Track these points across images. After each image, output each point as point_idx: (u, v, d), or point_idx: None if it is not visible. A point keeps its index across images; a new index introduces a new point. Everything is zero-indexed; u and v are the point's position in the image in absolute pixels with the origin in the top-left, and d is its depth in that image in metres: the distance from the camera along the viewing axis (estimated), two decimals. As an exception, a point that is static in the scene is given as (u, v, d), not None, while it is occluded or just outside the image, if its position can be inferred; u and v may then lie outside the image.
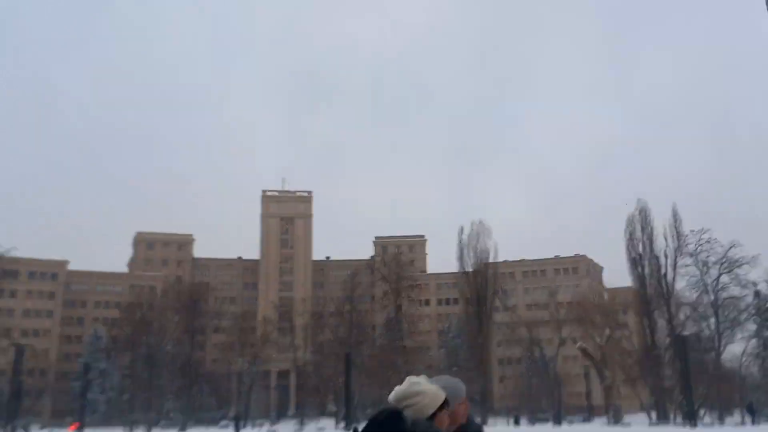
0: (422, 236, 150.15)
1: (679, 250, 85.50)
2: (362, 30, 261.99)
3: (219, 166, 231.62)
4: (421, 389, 3.44)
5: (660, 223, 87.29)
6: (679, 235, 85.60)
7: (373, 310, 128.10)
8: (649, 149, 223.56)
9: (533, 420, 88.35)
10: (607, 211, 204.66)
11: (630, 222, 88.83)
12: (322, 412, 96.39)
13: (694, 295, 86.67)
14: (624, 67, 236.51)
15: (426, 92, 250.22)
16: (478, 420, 4.36)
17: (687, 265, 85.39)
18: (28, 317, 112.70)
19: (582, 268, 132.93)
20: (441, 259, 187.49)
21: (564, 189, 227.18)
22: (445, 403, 3.50)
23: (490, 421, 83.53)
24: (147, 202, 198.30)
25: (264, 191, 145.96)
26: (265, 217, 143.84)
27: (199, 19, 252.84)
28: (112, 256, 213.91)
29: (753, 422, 67.63)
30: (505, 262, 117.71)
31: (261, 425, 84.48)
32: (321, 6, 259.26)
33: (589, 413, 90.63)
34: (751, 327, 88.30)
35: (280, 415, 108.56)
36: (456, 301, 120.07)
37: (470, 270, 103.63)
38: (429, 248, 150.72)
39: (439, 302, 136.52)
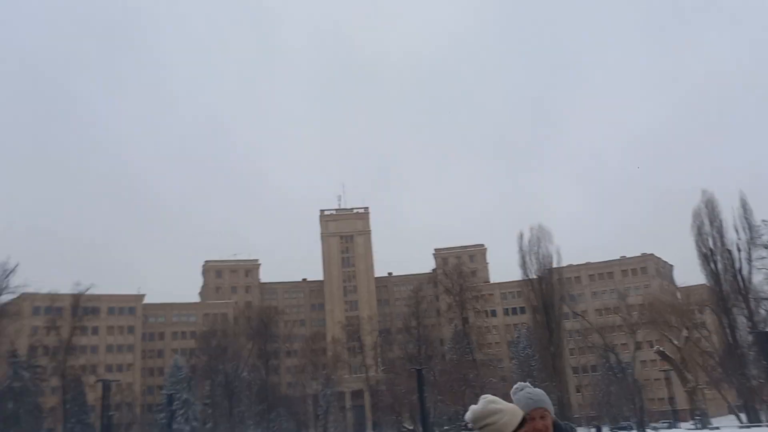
0: (482, 245, 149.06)
1: (752, 241, 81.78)
2: (404, 39, 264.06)
3: (277, 189, 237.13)
4: (499, 407, 3.51)
5: (729, 215, 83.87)
6: (750, 226, 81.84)
7: (440, 324, 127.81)
8: (707, 137, 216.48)
9: (615, 429, 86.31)
10: (669, 205, 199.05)
11: (696, 215, 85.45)
12: (399, 431, 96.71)
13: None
14: (677, 54, 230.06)
15: (472, 97, 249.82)
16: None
17: (762, 258, 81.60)
18: (111, 352, 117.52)
19: (650, 267, 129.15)
20: (502, 266, 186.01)
21: (621, 185, 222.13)
22: (523, 421, 3.55)
23: None
24: (213, 232, 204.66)
25: (321, 211, 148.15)
26: (325, 236, 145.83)
27: (249, 46, 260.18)
28: (185, 287, 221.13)
29: None
30: (569, 266, 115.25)
31: None
32: (364, 18, 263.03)
33: (674, 419, 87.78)
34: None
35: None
36: (522, 309, 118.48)
37: (534, 277, 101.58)
38: (489, 257, 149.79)
39: (506, 312, 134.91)
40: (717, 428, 71.10)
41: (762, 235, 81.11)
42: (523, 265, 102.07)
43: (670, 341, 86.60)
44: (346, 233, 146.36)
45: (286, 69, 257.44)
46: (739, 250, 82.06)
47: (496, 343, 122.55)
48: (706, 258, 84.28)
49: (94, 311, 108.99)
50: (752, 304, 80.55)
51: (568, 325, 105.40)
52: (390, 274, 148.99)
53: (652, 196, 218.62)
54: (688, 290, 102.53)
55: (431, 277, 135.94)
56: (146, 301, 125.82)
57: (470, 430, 3.62)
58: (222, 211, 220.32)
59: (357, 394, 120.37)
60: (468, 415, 3.53)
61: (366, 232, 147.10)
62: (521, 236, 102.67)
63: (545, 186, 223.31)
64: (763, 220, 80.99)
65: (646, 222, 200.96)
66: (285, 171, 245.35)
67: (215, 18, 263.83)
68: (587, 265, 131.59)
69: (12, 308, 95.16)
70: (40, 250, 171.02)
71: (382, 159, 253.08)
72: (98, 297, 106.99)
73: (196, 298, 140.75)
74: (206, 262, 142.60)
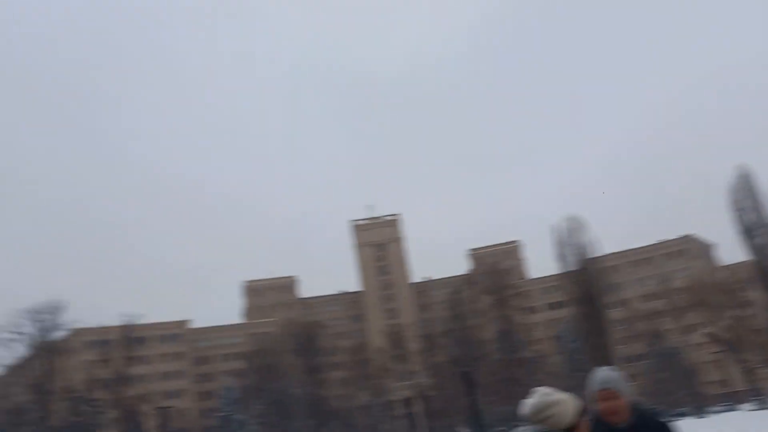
0: (516, 241, 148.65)
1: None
2: (418, 39, 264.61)
3: (307, 204, 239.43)
4: (557, 398, 3.44)
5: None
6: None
7: (482, 325, 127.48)
8: (738, 115, 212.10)
9: (672, 415, 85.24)
10: (705, 183, 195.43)
11: (733, 190, 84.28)
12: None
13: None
14: (706, 33, 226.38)
15: (491, 89, 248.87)
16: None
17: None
18: (164, 380, 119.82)
19: (692, 249, 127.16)
20: (538, 261, 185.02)
21: (650, 168, 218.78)
22: (584, 410, 3.52)
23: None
24: (251, 252, 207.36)
25: (353, 221, 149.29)
26: (358, 246, 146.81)
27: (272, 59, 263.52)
28: (227, 308, 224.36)
29: None
30: (607, 255, 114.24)
31: None
32: (388, 27, 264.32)
33: (732, 401, 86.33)
34: None
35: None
36: (564, 303, 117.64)
37: (573, 269, 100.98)
38: (524, 252, 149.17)
39: (547, 307, 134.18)
40: (778, 407, 69.94)
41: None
42: (560, 258, 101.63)
43: (719, 322, 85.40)
44: (379, 242, 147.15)
45: (307, 82, 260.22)
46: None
47: (541, 339, 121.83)
48: (747, 233, 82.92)
49: (144, 341, 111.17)
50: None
51: (613, 314, 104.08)
52: (427, 279, 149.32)
53: (684, 176, 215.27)
54: (731, 269, 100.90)
55: (468, 279, 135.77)
56: (192, 325, 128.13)
57: (532, 425, 3.55)
58: (258, 229, 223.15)
59: (407, 402, 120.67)
60: (525, 410, 3.45)
61: (399, 239, 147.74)
62: (555, 228, 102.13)
63: (574, 176, 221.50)
64: None
65: (681, 203, 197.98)
66: (313, 184, 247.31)
67: (247, 36, 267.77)
68: (626, 253, 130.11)
69: (65, 345, 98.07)
70: (86, 282, 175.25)
71: (409, 165, 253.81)
72: (146, 326, 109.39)
73: (239, 319, 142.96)
74: (246, 282, 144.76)
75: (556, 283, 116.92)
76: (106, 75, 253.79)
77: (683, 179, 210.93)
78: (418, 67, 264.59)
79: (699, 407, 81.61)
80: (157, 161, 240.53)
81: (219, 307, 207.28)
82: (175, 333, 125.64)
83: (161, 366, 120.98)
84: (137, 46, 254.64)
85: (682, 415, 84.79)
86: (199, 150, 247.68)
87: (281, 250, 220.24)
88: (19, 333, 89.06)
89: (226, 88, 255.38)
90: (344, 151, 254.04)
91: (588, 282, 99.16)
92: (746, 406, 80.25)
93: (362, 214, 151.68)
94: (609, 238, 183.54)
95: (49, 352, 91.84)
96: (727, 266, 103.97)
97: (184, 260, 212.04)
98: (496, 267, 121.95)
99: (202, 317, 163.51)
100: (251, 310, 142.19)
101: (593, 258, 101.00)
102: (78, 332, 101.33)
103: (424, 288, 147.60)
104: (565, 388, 4.04)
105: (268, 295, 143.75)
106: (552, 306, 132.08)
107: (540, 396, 3.50)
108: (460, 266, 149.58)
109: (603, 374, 3.98)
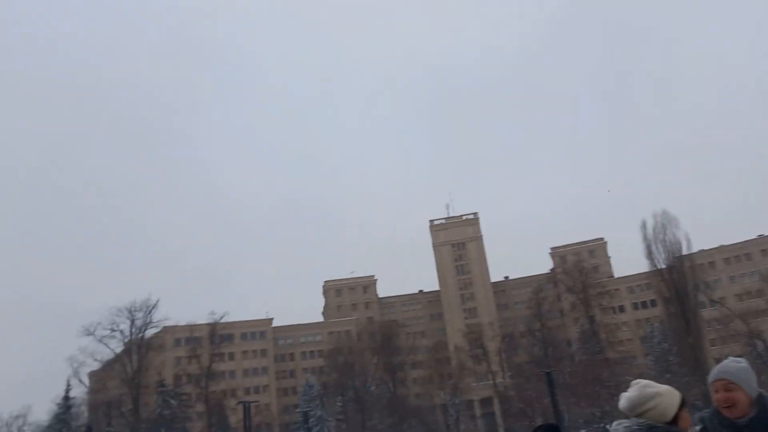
0: (601, 239, 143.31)
1: None
2: (493, 31, 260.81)
3: (387, 203, 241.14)
4: (657, 390, 3.26)
5: None
6: None
7: (565, 325, 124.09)
8: None
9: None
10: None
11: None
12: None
13: None
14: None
15: (569, 83, 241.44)
16: None
17: None
18: (247, 376, 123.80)
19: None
20: (624, 259, 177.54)
21: (740, 159, 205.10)
22: (684, 402, 3.29)
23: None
24: (331, 252, 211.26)
25: (431, 221, 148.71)
26: (437, 246, 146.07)
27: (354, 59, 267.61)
28: (307, 307, 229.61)
29: None
30: (701, 251, 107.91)
31: None
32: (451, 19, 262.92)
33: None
34: None
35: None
36: (653, 302, 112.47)
37: (663, 266, 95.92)
38: (610, 250, 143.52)
39: (635, 306, 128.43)
40: None
41: None
42: (650, 256, 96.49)
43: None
44: (457, 241, 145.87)
45: (382, 79, 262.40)
46: None
47: (628, 339, 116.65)
48: None
49: (229, 338, 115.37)
50: None
51: (706, 314, 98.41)
52: (506, 277, 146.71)
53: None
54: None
55: (550, 277, 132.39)
56: (275, 324, 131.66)
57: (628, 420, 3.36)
58: (336, 231, 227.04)
59: (486, 402, 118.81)
60: (623, 404, 3.31)
61: (477, 238, 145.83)
62: (644, 225, 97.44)
63: (662, 168, 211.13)
64: None
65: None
66: (392, 184, 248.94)
67: (319, 44, 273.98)
68: (721, 248, 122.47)
69: (156, 341, 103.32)
70: (175, 282, 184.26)
71: (487, 162, 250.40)
72: (232, 324, 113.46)
73: (319, 318, 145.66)
74: (326, 282, 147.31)
75: (644, 282, 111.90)
76: (178, 82, 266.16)
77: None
78: (493, 60, 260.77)
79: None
80: (233, 166, 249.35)
81: (300, 306, 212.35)
82: (259, 331, 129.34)
83: (245, 362, 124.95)
84: (206, 49, 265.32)
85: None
86: (273, 154, 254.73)
87: (360, 251, 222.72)
88: (115, 330, 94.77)
89: (295, 88, 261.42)
90: (422, 149, 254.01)
91: (679, 280, 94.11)
92: None
93: (440, 213, 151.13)
94: (703, 234, 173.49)
95: (141, 348, 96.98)
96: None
97: (267, 261, 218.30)
98: (579, 265, 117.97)
99: (284, 316, 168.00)
100: (331, 310, 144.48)
101: (685, 255, 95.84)
102: (168, 329, 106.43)
103: (504, 287, 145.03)
104: None
105: (348, 294, 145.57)
106: (640, 305, 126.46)
107: (639, 388, 3.34)
108: (541, 265, 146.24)
109: (722, 364, 3.68)
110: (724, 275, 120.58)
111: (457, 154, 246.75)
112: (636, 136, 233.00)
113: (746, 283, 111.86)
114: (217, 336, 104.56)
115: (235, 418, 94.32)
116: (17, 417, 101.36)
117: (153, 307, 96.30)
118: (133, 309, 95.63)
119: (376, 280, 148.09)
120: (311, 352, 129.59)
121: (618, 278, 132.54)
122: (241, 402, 67.85)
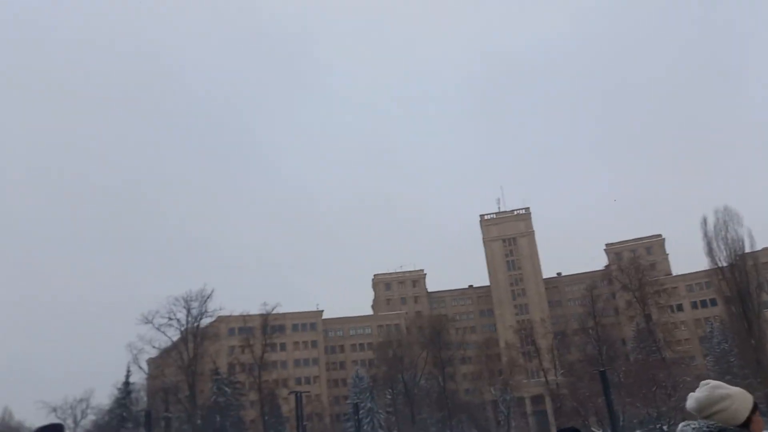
0: (659, 235, 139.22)
1: None
2: (550, 25, 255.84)
3: (437, 197, 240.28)
4: (728, 392, 3.12)
5: None
6: None
7: (620, 323, 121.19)
8: None
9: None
10: None
11: None
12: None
13: None
14: None
15: (630, 75, 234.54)
16: None
17: None
18: (299, 366, 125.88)
19: None
20: (683, 257, 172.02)
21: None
22: (756, 406, 3.15)
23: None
24: (379, 246, 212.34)
25: (481, 216, 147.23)
26: (487, 241, 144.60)
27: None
28: (358, 300, 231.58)
29: None
30: (764, 249, 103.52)
31: None
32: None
33: None
34: None
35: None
36: (713, 301, 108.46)
37: (724, 264, 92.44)
38: (668, 247, 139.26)
39: (693, 305, 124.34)
40: None
41: None
42: (710, 253, 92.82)
43: None
44: (508, 236, 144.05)
45: (433, 74, 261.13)
46: None
47: (686, 339, 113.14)
48: None
49: (281, 329, 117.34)
50: None
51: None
52: (559, 274, 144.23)
53: None
54: None
55: (605, 274, 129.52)
56: (325, 316, 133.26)
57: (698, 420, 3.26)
58: (387, 225, 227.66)
59: (537, 399, 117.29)
60: (690, 404, 3.18)
61: (529, 233, 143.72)
62: (705, 221, 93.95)
63: (729, 165, 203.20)
64: None
65: None
66: (443, 179, 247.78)
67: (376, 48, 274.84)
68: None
69: (211, 330, 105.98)
70: (230, 273, 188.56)
71: (539, 157, 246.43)
72: (283, 315, 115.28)
73: (369, 311, 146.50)
74: (375, 275, 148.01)
75: (704, 280, 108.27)
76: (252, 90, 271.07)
77: None
78: (547, 55, 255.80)
79: None
80: (293, 168, 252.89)
81: (350, 299, 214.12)
82: (310, 322, 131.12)
83: (296, 353, 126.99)
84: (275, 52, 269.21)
85: None
86: (332, 151, 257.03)
87: (410, 245, 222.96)
88: (172, 318, 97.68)
89: (352, 89, 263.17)
90: (473, 143, 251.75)
91: (741, 279, 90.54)
92: None
93: (491, 207, 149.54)
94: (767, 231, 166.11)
95: (197, 336, 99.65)
96: None
97: (318, 255, 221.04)
98: (636, 262, 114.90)
99: (335, 309, 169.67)
100: (380, 303, 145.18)
101: (748, 253, 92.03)
102: (222, 319, 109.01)
103: (557, 283, 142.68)
104: None
105: (397, 288, 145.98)
106: (699, 304, 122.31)
107: (709, 389, 3.20)
108: (595, 262, 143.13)
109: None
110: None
111: (509, 148, 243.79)
112: (699, 130, 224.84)
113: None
114: (269, 326, 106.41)
115: (287, 407, 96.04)
116: (81, 401, 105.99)
117: (208, 297, 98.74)
118: (189, 299, 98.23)
119: (425, 274, 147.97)
120: (360, 344, 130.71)
121: (676, 276, 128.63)
122: (293, 392, 69.09)
